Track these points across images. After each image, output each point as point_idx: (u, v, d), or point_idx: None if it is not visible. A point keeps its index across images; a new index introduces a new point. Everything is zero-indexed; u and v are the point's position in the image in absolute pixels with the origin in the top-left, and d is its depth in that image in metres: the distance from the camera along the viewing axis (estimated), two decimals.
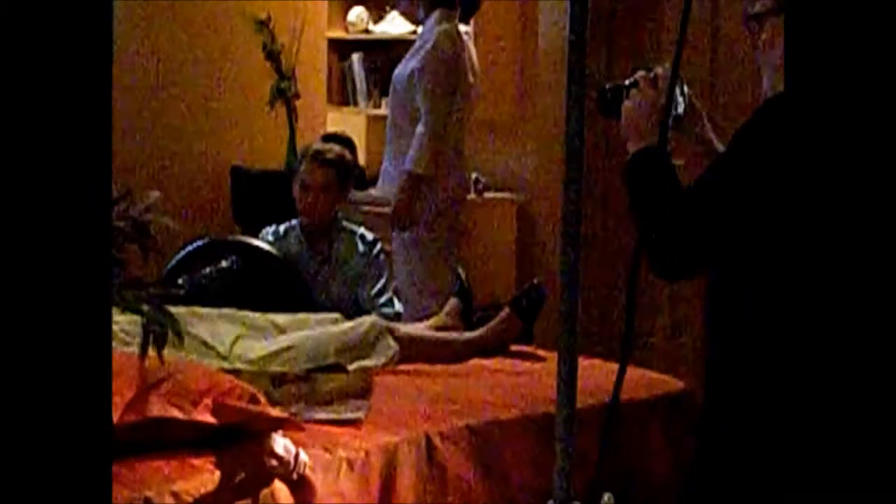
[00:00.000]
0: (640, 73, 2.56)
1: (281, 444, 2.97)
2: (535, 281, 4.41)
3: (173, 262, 4.31)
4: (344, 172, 4.60)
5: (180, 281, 4.16)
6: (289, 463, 2.96)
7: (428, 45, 5.35)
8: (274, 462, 2.95)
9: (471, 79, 5.48)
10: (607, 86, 2.61)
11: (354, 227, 4.71)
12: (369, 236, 4.68)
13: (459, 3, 5.47)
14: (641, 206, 2.42)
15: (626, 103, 2.54)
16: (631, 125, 2.52)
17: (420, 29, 5.64)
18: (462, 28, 5.53)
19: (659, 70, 2.55)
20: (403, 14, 6.07)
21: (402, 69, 5.49)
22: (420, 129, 5.24)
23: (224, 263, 4.26)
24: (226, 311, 3.89)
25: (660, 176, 2.40)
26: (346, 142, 4.74)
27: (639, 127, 2.50)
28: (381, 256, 4.66)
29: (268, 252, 4.43)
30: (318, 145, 4.70)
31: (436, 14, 5.45)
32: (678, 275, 2.47)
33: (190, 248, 4.37)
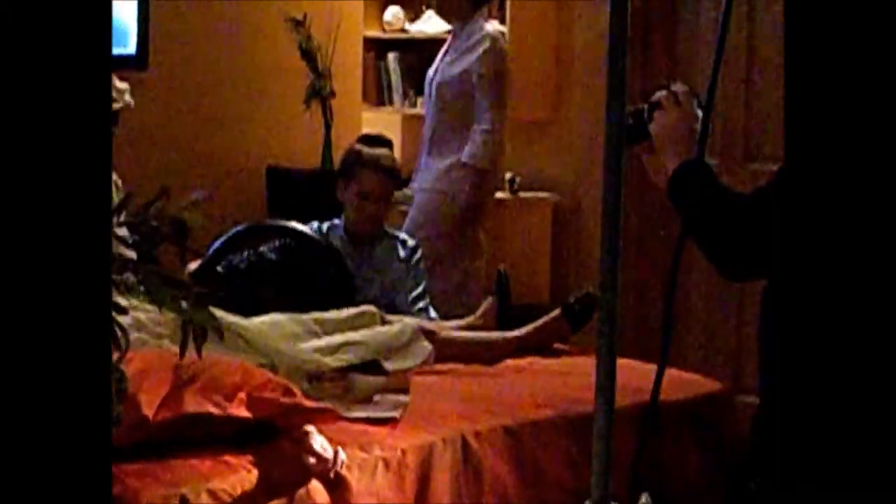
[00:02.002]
0: (661, 93, 2.60)
1: (318, 441, 2.97)
2: (591, 290, 4.23)
3: (214, 246, 4.25)
4: (398, 178, 4.62)
5: (218, 268, 4.13)
6: (327, 461, 2.96)
7: (486, 45, 5.39)
8: (312, 460, 2.95)
9: None
10: (627, 110, 2.64)
11: (396, 232, 4.70)
12: (411, 242, 4.66)
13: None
14: (697, 215, 2.44)
15: (654, 125, 2.58)
16: (666, 143, 2.57)
17: (456, 29, 5.65)
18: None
19: (678, 87, 2.59)
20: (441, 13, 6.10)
21: (449, 69, 5.51)
22: (484, 125, 5.35)
23: (263, 248, 4.22)
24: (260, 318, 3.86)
25: (712, 184, 2.45)
26: (387, 144, 4.71)
27: (674, 144, 2.55)
28: (422, 263, 4.64)
29: (310, 237, 4.36)
30: (371, 151, 4.56)
31: (481, 13, 5.49)
32: (748, 277, 2.52)
33: (231, 232, 4.30)
